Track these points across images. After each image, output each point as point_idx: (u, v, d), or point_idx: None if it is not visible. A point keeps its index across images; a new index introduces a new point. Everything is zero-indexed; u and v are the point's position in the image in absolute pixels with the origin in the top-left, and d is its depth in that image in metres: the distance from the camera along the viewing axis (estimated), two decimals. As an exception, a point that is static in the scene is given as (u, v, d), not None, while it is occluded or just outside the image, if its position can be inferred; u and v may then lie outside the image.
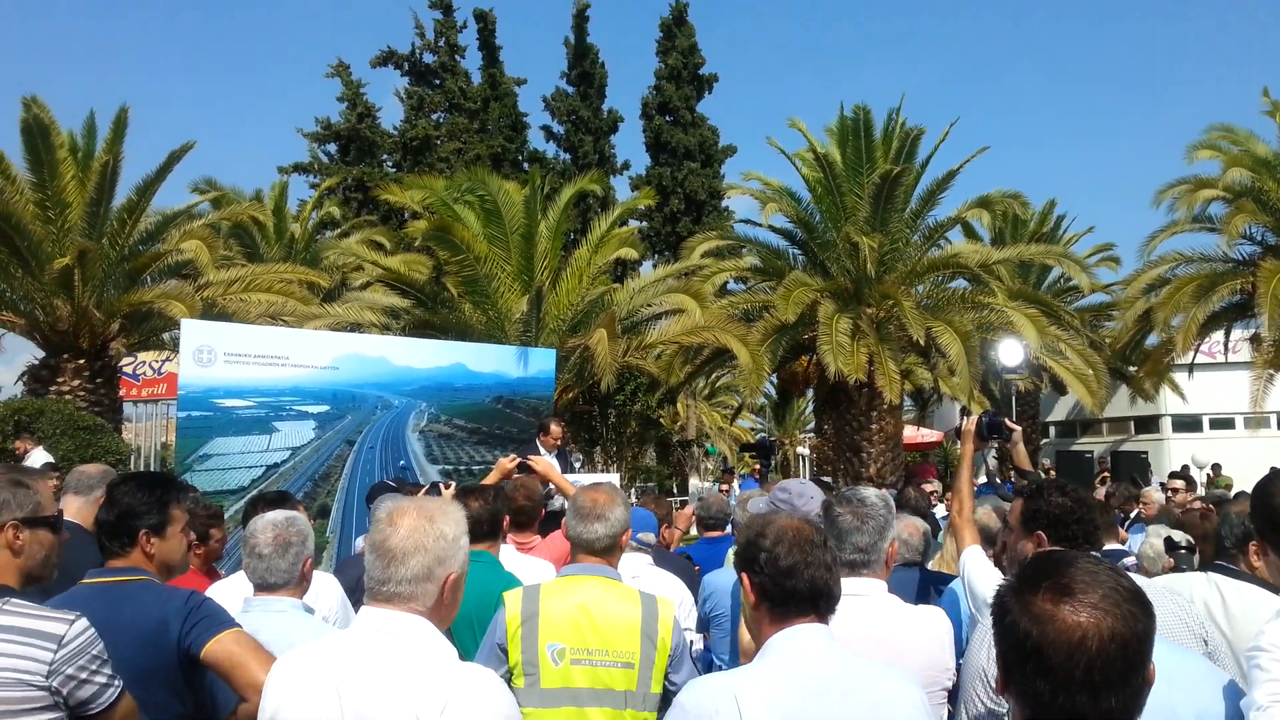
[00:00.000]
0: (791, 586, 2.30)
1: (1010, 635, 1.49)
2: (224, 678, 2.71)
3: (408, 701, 2.02)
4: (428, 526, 2.19)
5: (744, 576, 2.39)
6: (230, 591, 4.38)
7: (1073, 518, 3.17)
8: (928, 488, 9.20)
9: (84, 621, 2.41)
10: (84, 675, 2.37)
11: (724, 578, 4.42)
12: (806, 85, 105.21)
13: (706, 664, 4.32)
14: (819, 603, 2.32)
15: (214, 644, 2.69)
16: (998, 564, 4.16)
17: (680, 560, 5.70)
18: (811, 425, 29.97)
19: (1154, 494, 8.81)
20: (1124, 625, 1.44)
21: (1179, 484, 9.07)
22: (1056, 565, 1.54)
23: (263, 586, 3.28)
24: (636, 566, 4.45)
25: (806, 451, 30.99)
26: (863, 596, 3.04)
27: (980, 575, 3.86)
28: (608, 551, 3.24)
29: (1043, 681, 1.44)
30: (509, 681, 2.95)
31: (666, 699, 2.96)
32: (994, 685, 2.34)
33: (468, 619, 3.67)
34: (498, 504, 4.31)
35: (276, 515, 3.39)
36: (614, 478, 10.20)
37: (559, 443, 8.77)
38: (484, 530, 4.13)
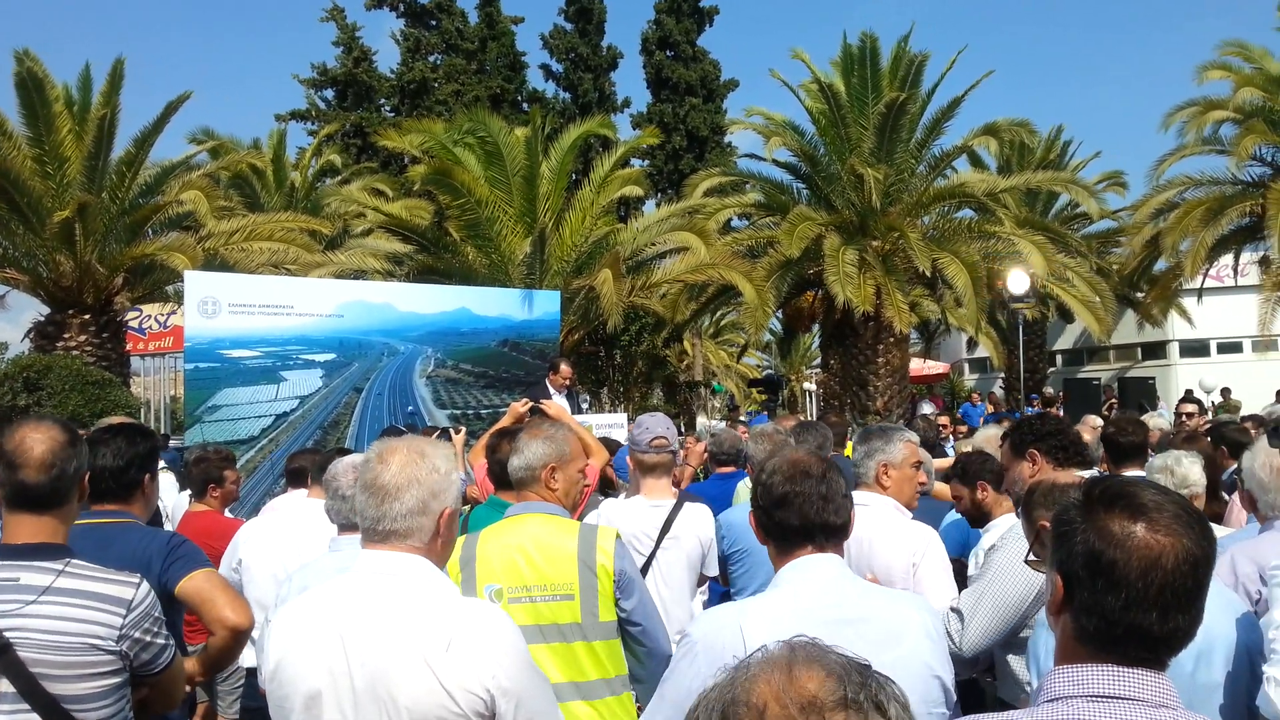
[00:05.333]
0: (781, 518, 2.31)
1: (1079, 552, 1.51)
2: (195, 612, 2.87)
3: (413, 642, 2.01)
4: (419, 461, 2.16)
5: (750, 512, 2.42)
6: (259, 530, 4.42)
7: (1054, 429, 3.57)
8: (943, 419, 9.21)
9: (146, 585, 2.45)
10: (148, 638, 2.41)
11: (739, 515, 4.42)
12: (808, 17, 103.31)
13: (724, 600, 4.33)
14: (813, 534, 2.30)
15: (186, 581, 2.83)
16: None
17: (694, 498, 5.64)
18: (817, 361, 29.95)
19: (1157, 420, 8.80)
20: (1195, 546, 1.47)
21: (1191, 408, 9.08)
22: (1124, 485, 1.56)
23: (346, 526, 3.41)
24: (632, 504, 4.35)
25: (813, 387, 31.05)
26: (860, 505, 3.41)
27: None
28: (523, 485, 3.18)
29: (1113, 598, 1.45)
30: None
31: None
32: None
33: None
34: None
35: (355, 458, 3.51)
36: (621, 419, 10.23)
37: (569, 382, 8.78)
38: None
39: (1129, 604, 1.45)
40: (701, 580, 4.44)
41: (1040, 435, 3.61)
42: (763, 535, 2.38)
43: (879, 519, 3.48)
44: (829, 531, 2.32)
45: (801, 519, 2.29)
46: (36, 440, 2.42)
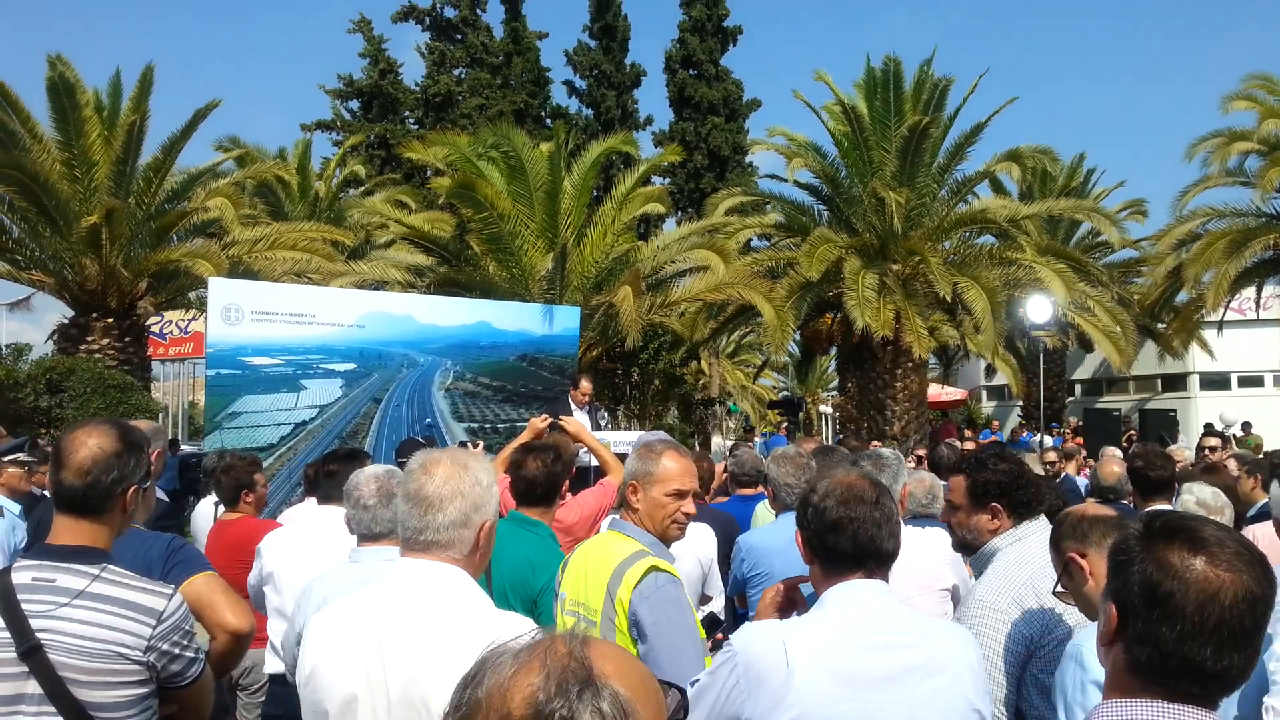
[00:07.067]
0: (834, 543, 2.30)
1: (1136, 582, 1.50)
2: (196, 617, 2.81)
3: (446, 652, 2.00)
4: (463, 473, 2.17)
5: (798, 531, 2.40)
6: (285, 540, 4.38)
7: (1021, 482, 3.17)
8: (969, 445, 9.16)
9: (179, 596, 2.42)
10: (176, 650, 2.37)
11: (759, 538, 4.39)
12: (832, 38, 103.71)
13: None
14: (865, 561, 2.29)
15: (186, 585, 2.77)
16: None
17: (724, 517, 5.59)
18: (834, 384, 29.86)
19: (1183, 452, 8.74)
20: (1256, 585, 1.46)
21: (1214, 441, 9.01)
22: (1186, 519, 1.56)
23: (367, 536, 3.35)
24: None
25: (830, 410, 30.94)
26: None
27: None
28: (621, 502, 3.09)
29: (1168, 629, 1.45)
30: None
31: None
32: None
33: (502, 592, 3.60)
34: (557, 466, 3.88)
35: (377, 469, 3.47)
36: (637, 436, 10.21)
37: (589, 399, 8.77)
38: (538, 494, 3.85)
39: (1184, 637, 1.44)
40: (703, 600, 4.39)
41: (1004, 490, 3.16)
42: (809, 556, 2.38)
43: (907, 536, 3.53)
44: (882, 558, 2.31)
45: (855, 546, 2.28)
46: (83, 443, 2.40)
